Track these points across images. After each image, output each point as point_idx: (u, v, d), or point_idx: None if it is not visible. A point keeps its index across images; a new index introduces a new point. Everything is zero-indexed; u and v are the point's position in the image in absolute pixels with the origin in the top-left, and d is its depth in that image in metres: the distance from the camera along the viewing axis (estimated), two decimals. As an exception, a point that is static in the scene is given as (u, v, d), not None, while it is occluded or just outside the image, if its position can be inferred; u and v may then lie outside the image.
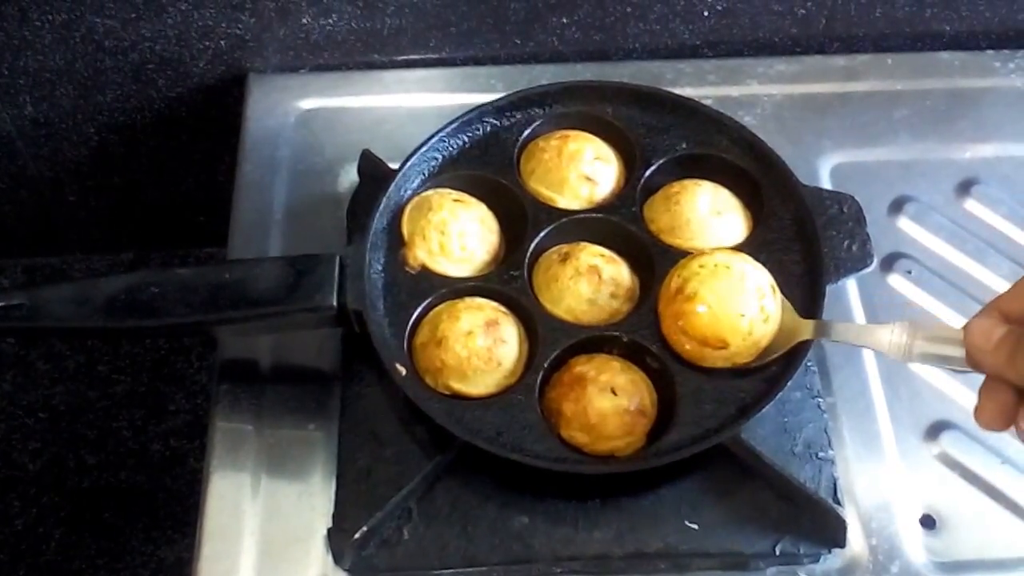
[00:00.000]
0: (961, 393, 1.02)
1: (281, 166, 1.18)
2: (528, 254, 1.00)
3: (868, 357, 1.04)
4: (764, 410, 0.90)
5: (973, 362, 0.73)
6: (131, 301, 0.92)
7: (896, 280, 1.10)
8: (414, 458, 0.93)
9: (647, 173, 1.05)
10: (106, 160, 1.40)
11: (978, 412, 0.72)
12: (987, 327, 0.72)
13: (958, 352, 0.75)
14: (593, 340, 0.96)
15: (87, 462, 1.43)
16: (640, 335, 0.95)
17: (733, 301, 0.91)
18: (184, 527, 0.99)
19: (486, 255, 1.01)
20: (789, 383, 0.91)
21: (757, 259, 0.99)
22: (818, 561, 0.92)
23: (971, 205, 1.16)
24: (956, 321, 1.06)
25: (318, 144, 1.20)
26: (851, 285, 1.09)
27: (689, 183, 1.04)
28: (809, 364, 1.00)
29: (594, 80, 1.13)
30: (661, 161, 1.06)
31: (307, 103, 1.24)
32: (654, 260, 0.99)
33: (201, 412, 1.42)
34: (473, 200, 1.04)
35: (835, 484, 0.94)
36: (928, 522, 0.95)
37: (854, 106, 1.24)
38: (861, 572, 0.92)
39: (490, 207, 1.04)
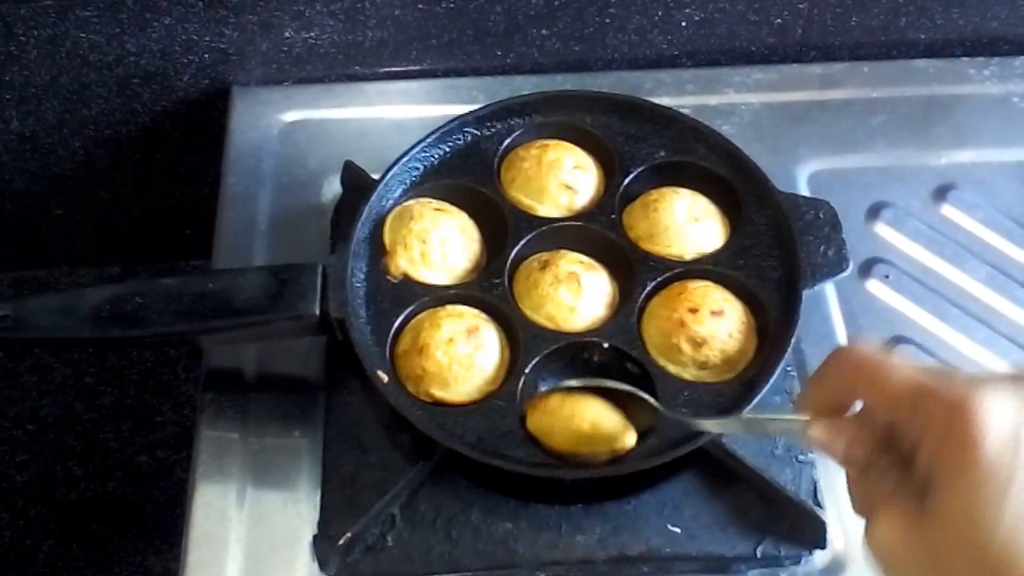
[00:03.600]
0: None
1: (265, 178, 1.19)
2: (509, 262, 1.00)
3: (848, 361, 1.05)
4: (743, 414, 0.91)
5: None
6: (116, 311, 0.92)
7: (874, 285, 1.11)
8: (398, 464, 0.93)
9: (626, 181, 1.06)
10: (92, 174, 1.40)
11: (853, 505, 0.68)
12: (825, 439, 0.67)
13: None
14: (573, 346, 0.96)
15: (75, 474, 1.43)
16: (620, 341, 0.96)
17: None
18: (171, 537, 0.99)
19: (467, 263, 1.02)
20: (768, 387, 0.92)
21: (735, 265, 1.01)
22: (799, 563, 0.92)
23: (948, 210, 1.17)
24: (936, 325, 1.08)
25: (301, 156, 1.21)
26: (830, 291, 1.09)
27: (667, 190, 1.05)
28: (789, 369, 1.00)
29: (573, 90, 1.14)
30: (640, 169, 1.07)
31: (290, 115, 1.25)
32: (633, 267, 1.00)
33: (188, 423, 1.41)
34: (454, 209, 1.05)
35: (815, 486, 0.94)
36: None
37: (831, 114, 1.25)
38: (842, 573, 0.93)
39: (471, 216, 1.05)
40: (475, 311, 0.98)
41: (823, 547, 0.92)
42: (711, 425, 0.88)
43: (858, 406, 0.67)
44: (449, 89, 1.29)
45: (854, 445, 0.65)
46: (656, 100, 1.13)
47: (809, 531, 0.92)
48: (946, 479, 0.57)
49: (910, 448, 0.60)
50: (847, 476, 0.68)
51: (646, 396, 0.90)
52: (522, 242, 1.02)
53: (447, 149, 1.08)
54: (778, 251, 1.01)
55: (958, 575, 0.56)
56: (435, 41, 1.26)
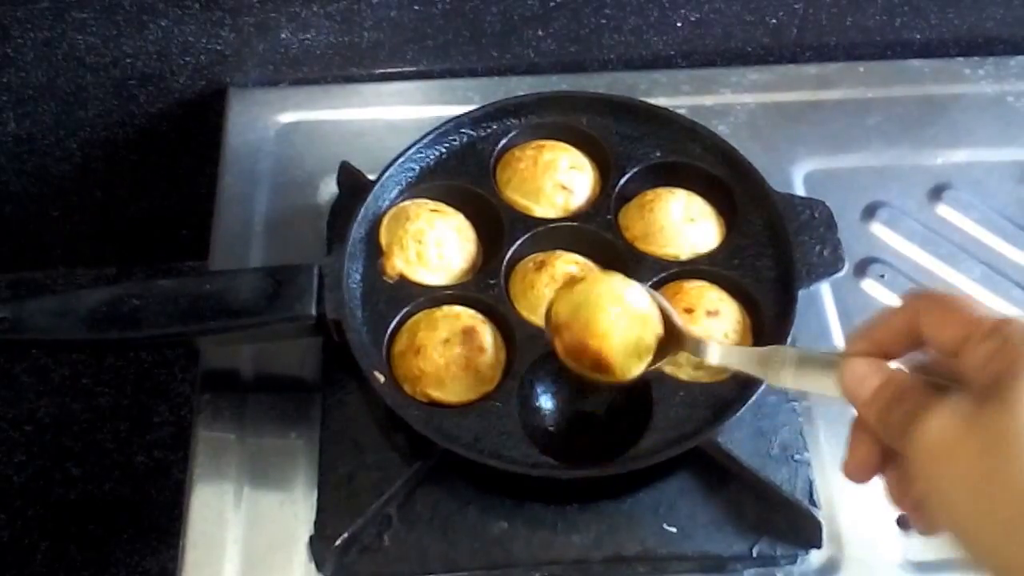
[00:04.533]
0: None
1: (262, 179, 1.19)
2: (505, 262, 1.01)
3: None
4: (739, 414, 0.91)
5: (849, 400, 0.68)
6: (113, 313, 0.92)
7: (869, 285, 1.11)
8: (394, 465, 0.94)
9: (622, 181, 1.07)
10: (89, 175, 1.40)
11: (845, 464, 0.69)
12: (863, 372, 0.67)
13: (835, 387, 0.69)
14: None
15: (72, 474, 1.43)
16: (616, 341, 0.96)
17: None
18: (169, 537, 0.99)
19: (463, 264, 1.02)
20: (763, 386, 0.92)
21: (731, 265, 1.01)
22: (795, 562, 0.93)
23: (943, 210, 1.18)
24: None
25: (298, 157, 1.21)
26: (825, 290, 1.10)
27: (663, 191, 1.06)
28: (784, 368, 1.01)
29: (568, 90, 1.15)
30: (635, 169, 1.07)
31: (287, 116, 1.25)
32: (629, 267, 1.00)
33: (185, 423, 1.41)
34: (450, 210, 1.05)
35: (811, 486, 0.95)
36: (904, 522, 0.95)
37: (826, 114, 1.25)
38: (838, 573, 0.93)
39: (467, 216, 1.05)
40: (471, 312, 0.98)
41: (819, 546, 0.92)
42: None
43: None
44: (445, 90, 1.29)
45: (889, 384, 0.65)
46: (652, 101, 1.13)
47: (805, 530, 0.92)
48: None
49: (974, 365, 0.60)
50: (851, 433, 0.68)
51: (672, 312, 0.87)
52: (518, 242, 1.02)
53: (443, 150, 1.08)
54: (773, 251, 1.02)
55: None
56: (431, 42, 1.27)
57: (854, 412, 0.68)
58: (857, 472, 0.68)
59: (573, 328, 0.87)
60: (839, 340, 1.06)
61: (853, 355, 0.68)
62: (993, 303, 1.10)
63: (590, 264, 1.01)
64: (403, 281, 1.00)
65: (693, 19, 1.27)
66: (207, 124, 1.30)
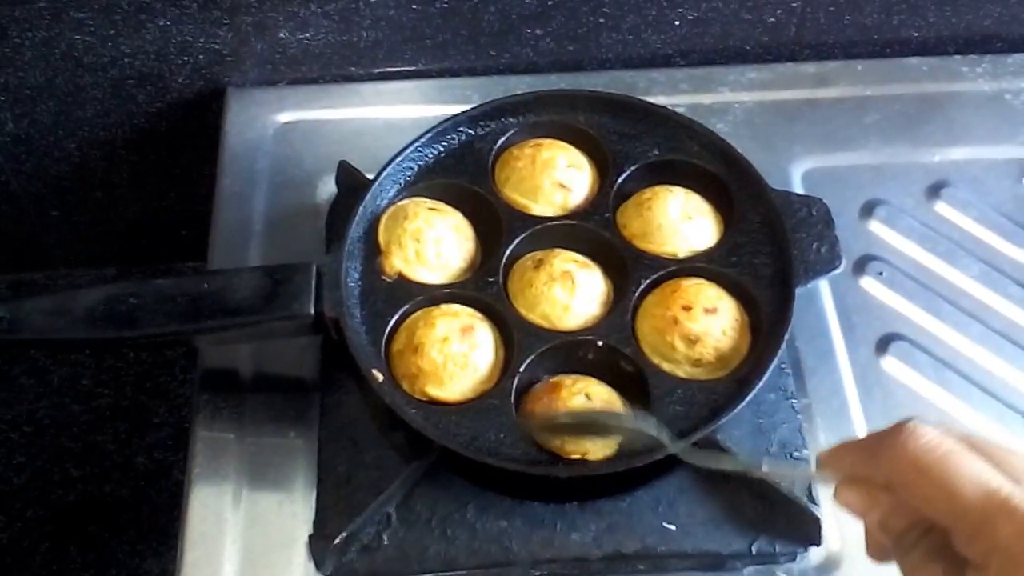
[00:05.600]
0: (935, 395, 1.03)
1: (260, 178, 1.19)
2: (503, 261, 1.01)
3: (842, 359, 1.05)
4: (737, 411, 0.91)
5: None
6: (111, 312, 0.93)
7: (868, 282, 1.11)
8: (393, 463, 0.94)
9: (620, 179, 1.07)
10: (87, 175, 1.40)
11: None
12: (868, 511, 0.63)
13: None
14: (568, 345, 0.96)
15: (71, 475, 1.43)
16: (614, 339, 0.96)
17: None
18: (169, 539, 0.99)
19: (462, 262, 1.02)
20: (762, 385, 0.92)
21: (728, 262, 1.01)
22: (795, 560, 0.93)
23: (941, 207, 1.17)
24: (930, 322, 1.08)
25: (297, 156, 1.21)
26: (824, 288, 1.10)
27: (661, 189, 1.06)
28: (783, 366, 1.01)
29: (566, 89, 1.14)
30: (633, 167, 1.07)
31: (285, 116, 1.25)
32: (627, 265, 1.01)
33: (185, 425, 1.41)
34: (448, 208, 1.05)
35: (810, 483, 0.94)
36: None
37: (824, 112, 1.25)
38: (837, 570, 0.93)
39: (465, 215, 1.05)
40: (470, 310, 0.98)
41: (818, 544, 0.92)
42: (727, 463, 0.89)
43: None
44: (443, 89, 1.29)
45: (891, 517, 0.62)
46: (650, 99, 1.13)
47: (804, 528, 0.92)
48: None
49: (966, 558, 0.57)
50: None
51: (656, 434, 0.85)
52: (516, 241, 1.02)
53: (441, 149, 1.08)
54: (771, 248, 1.01)
55: None
56: (429, 41, 1.27)
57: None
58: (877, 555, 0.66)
59: (556, 445, 0.92)
60: (837, 338, 1.07)
61: (837, 476, 0.65)
62: (991, 300, 1.10)
63: (588, 261, 1.02)
64: (401, 280, 1.00)
65: (691, 18, 1.27)
66: (206, 124, 1.30)
